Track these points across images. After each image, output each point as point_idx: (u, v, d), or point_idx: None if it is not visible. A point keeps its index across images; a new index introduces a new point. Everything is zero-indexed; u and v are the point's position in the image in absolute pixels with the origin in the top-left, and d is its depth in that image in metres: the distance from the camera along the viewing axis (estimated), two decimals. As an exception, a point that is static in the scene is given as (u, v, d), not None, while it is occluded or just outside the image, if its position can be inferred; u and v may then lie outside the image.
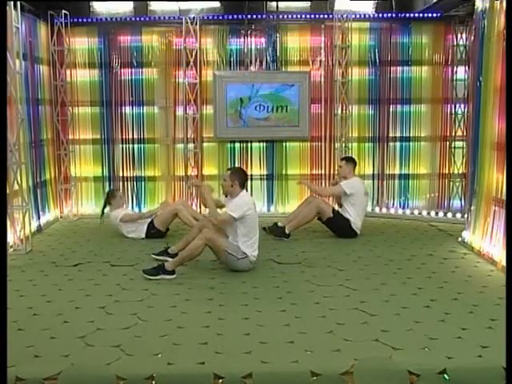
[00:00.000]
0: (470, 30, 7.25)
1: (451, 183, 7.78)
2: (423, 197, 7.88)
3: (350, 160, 6.66)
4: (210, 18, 7.55)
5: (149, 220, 6.41)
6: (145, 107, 7.75)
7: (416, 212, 7.68)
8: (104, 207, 6.56)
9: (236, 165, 7.79)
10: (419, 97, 7.70)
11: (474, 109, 6.05)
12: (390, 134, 7.79)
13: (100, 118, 7.75)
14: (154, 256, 5.35)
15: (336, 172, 7.12)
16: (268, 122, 7.65)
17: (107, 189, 7.74)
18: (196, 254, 4.85)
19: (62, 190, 7.64)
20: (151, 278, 4.71)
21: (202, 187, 5.28)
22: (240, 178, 5.07)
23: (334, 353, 3.22)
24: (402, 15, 7.57)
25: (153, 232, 6.34)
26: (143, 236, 6.36)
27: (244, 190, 5.11)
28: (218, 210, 5.21)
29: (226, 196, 5.15)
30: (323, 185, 7.78)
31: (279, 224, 6.33)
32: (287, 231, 6.24)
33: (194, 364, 3.07)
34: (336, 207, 6.52)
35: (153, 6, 7.75)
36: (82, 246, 6.09)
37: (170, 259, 5.03)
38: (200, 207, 7.70)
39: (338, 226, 6.37)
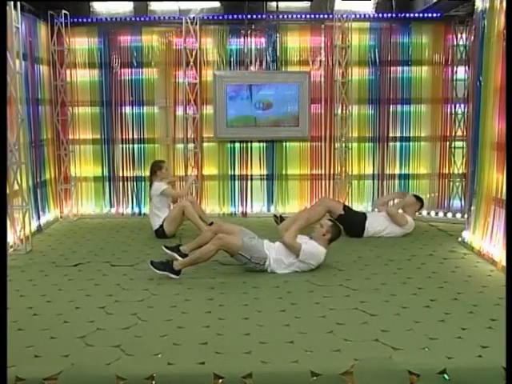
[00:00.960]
0: (470, 29, 7.25)
1: (451, 183, 7.78)
2: (423, 197, 7.85)
3: (419, 200, 6.74)
4: (210, 18, 7.55)
5: (165, 215, 6.38)
6: (145, 107, 7.75)
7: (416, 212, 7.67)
8: (151, 178, 6.57)
9: (236, 165, 7.81)
10: (419, 97, 7.71)
11: (474, 109, 6.05)
12: (390, 134, 7.79)
13: (100, 118, 7.75)
14: (164, 248, 5.29)
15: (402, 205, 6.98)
16: (268, 121, 7.66)
17: (107, 189, 7.77)
18: (207, 259, 4.85)
19: (62, 190, 7.64)
20: (156, 270, 4.70)
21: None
22: (334, 234, 5.13)
23: (334, 353, 3.22)
24: (402, 15, 7.57)
25: (161, 231, 6.34)
26: (156, 226, 6.35)
27: (326, 249, 5.07)
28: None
29: (311, 238, 5.11)
30: (324, 184, 7.80)
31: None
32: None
33: (193, 364, 3.07)
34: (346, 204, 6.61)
35: (153, 5, 7.74)
36: (81, 245, 6.09)
37: (178, 256, 5.04)
38: (206, 207, 7.70)
39: (350, 223, 6.37)
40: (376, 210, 6.99)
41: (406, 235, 6.50)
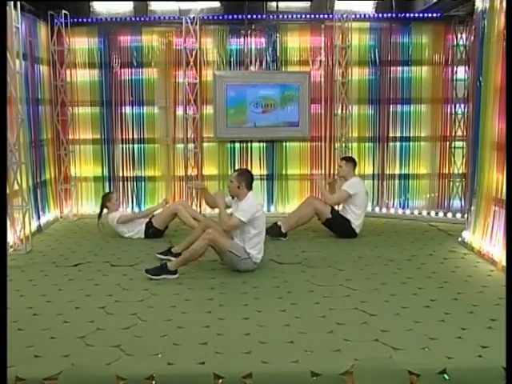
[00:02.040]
0: (470, 29, 7.25)
1: (451, 183, 7.78)
2: (423, 197, 7.88)
3: (350, 160, 6.64)
4: (210, 18, 7.55)
5: (146, 220, 6.41)
6: (145, 107, 7.75)
7: (416, 212, 7.68)
8: (101, 211, 6.53)
9: (236, 165, 7.79)
10: (419, 97, 7.71)
11: (474, 109, 6.05)
12: (390, 134, 7.79)
13: (100, 118, 7.75)
14: (158, 255, 5.35)
15: (336, 172, 7.10)
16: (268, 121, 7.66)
17: (107, 189, 7.77)
18: (199, 255, 4.86)
19: (62, 189, 7.64)
20: (154, 277, 4.70)
21: (214, 192, 5.27)
22: (246, 179, 5.07)
23: (334, 353, 3.22)
24: (402, 15, 7.57)
25: (151, 231, 6.34)
26: (142, 236, 6.37)
27: (251, 191, 5.08)
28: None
29: (233, 198, 5.13)
30: (323, 184, 7.77)
31: (278, 223, 6.32)
32: (283, 230, 6.24)
33: (194, 364, 3.07)
34: (336, 207, 6.50)
35: (153, 5, 7.75)
36: (81, 246, 6.09)
37: (173, 259, 5.04)
38: (200, 207, 7.72)
39: (339, 227, 6.36)
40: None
41: (406, 235, 6.50)
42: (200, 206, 7.74)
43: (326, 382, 2.92)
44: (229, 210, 5.14)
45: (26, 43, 6.52)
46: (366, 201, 6.54)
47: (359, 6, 7.70)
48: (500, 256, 5.03)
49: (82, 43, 7.60)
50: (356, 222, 6.34)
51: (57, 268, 5.17)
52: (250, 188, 5.07)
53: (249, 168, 7.70)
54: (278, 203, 7.91)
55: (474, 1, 5.99)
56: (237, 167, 7.80)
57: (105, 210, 6.55)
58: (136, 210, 7.79)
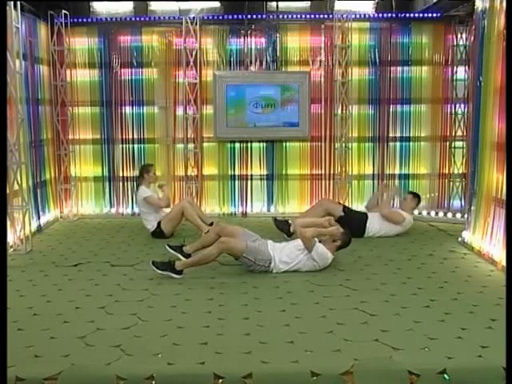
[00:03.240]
0: (470, 29, 7.25)
1: (451, 183, 7.78)
2: (423, 197, 7.86)
3: (416, 197, 6.74)
4: (210, 18, 7.55)
5: (162, 214, 6.40)
6: (145, 107, 7.75)
7: (416, 212, 7.66)
8: (140, 179, 6.58)
9: (236, 165, 7.81)
10: (419, 97, 7.71)
11: (474, 109, 6.05)
12: (390, 134, 7.79)
13: (100, 118, 7.75)
14: (167, 247, 5.29)
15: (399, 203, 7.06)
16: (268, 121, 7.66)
17: (107, 189, 7.78)
18: (209, 261, 4.86)
19: (62, 189, 7.64)
20: (158, 271, 4.70)
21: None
22: (344, 244, 5.14)
23: (334, 353, 3.22)
24: (402, 15, 7.57)
25: (157, 231, 6.34)
26: (151, 228, 6.37)
27: (332, 256, 5.06)
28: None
29: (320, 241, 5.07)
30: (324, 184, 7.79)
31: (289, 221, 6.31)
32: (292, 230, 6.24)
33: (194, 364, 3.07)
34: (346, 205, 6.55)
35: (153, 5, 7.75)
36: (81, 245, 6.09)
37: (181, 256, 5.05)
38: (200, 207, 7.70)
39: (352, 222, 6.29)
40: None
41: (406, 235, 6.50)
42: (200, 207, 7.73)
43: (326, 382, 2.92)
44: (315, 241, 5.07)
45: (26, 43, 6.53)
46: (390, 233, 6.50)
47: (359, 6, 7.69)
48: (500, 256, 5.03)
49: (81, 43, 7.61)
50: (372, 223, 6.36)
51: (57, 268, 5.16)
52: (336, 251, 5.11)
53: (248, 168, 7.76)
54: (278, 203, 7.90)
55: (473, 1, 5.99)
56: (237, 167, 7.82)
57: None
58: (136, 210, 7.80)
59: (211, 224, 6.20)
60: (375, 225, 6.40)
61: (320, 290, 4.46)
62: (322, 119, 7.80)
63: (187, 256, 5.06)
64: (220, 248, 4.81)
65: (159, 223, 6.36)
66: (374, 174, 7.87)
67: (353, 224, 6.34)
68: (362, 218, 6.42)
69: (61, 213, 7.65)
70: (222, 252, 4.85)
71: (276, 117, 7.67)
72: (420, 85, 7.69)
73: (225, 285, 4.62)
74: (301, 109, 7.66)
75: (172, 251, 5.23)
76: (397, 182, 7.86)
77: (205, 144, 7.84)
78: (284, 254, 4.98)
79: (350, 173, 7.78)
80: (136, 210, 7.78)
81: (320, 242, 5.04)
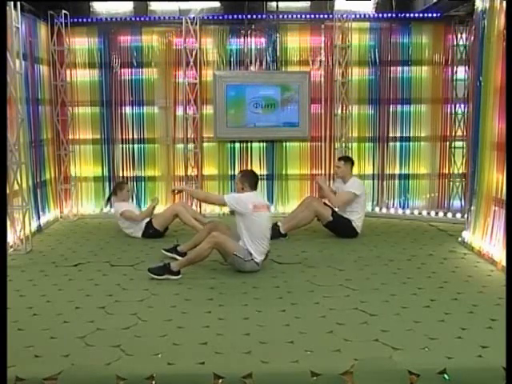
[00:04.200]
0: (470, 30, 7.25)
1: (451, 183, 7.78)
2: (423, 197, 7.88)
3: (348, 160, 6.63)
4: (210, 18, 7.55)
5: (147, 219, 6.41)
6: (145, 107, 7.75)
7: (416, 212, 7.68)
8: (110, 196, 6.60)
9: (236, 165, 7.81)
10: (419, 97, 7.70)
11: (474, 109, 6.05)
12: (390, 134, 7.79)
13: (100, 118, 7.75)
14: (163, 251, 5.35)
15: (334, 172, 7.08)
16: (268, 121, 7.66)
17: (107, 189, 7.78)
18: (203, 257, 4.85)
19: (62, 189, 7.64)
20: (156, 277, 4.70)
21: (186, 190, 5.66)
22: (249, 179, 5.11)
23: (334, 353, 3.22)
24: (402, 15, 7.57)
25: (151, 232, 6.34)
26: (139, 236, 6.36)
27: (254, 192, 5.09)
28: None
29: None
30: (326, 185, 7.76)
31: (278, 223, 6.31)
32: (282, 231, 6.24)
33: (194, 364, 3.07)
34: (336, 209, 6.47)
35: (153, 5, 7.74)
36: (82, 245, 6.09)
37: (178, 257, 5.06)
38: (200, 207, 7.72)
39: (340, 227, 6.35)
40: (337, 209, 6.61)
41: (406, 235, 6.51)
42: (200, 206, 7.74)
43: (326, 382, 2.93)
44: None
45: (26, 43, 6.52)
46: (364, 200, 6.54)
47: (359, 6, 7.69)
48: (500, 256, 5.03)
49: (82, 43, 7.60)
50: (358, 222, 6.34)
51: (57, 268, 5.16)
52: (254, 188, 5.10)
53: (248, 168, 7.72)
54: (278, 203, 7.91)
55: (473, 1, 5.99)
56: (237, 167, 7.81)
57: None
58: (137, 209, 7.80)
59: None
60: (354, 215, 6.32)
61: (320, 289, 4.46)
62: (322, 119, 7.80)
63: (183, 255, 5.08)
64: (211, 242, 4.80)
65: (149, 226, 6.35)
66: (373, 174, 7.86)
67: (341, 228, 6.35)
68: (348, 220, 6.35)
69: (61, 213, 7.65)
70: (214, 247, 4.84)
71: (276, 117, 7.67)
72: (420, 85, 7.68)
73: (225, 285, 4.62)
74: (301, 109, 7.66)
75: (168, 254, 5.28)
76: (397, 182, 7.86)
77: (205, 144, 7.85)
78: (243, 236, 4.96)
79: (350, 173, 7.77)
80: (137, 209, 7.80)
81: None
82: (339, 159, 6.70)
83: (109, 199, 6.65)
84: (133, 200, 7.51)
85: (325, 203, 6.45)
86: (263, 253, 5.04)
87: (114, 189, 6.71)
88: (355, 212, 6.33)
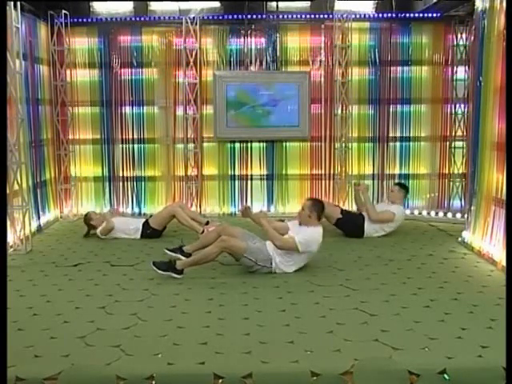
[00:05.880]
0: (470, 29, 7.25)
1: (451, 183, 7.78)
2: (423, 197, 7.88)
3: (403, 187, 6.71)
4: (210, 18, 7.55)
5: (143, 220, 6.39)
6: (145, 107, 7.75)
7: (416, 212, 7.68)
8: (88, 231, 6.46)
9: (236, 165, 7.81)
10: (419, 97, 7.71)
11: (474, 109, 6.05)
12: (390, 134, 7.79)
13: (100, 118, 7.75)
14: (166, 251, 5.26)
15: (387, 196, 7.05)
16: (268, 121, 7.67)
17: (107, 189, 7.80)
18: (209, 260, 4.85)
19: (62, 189, 7.64)
20: (159, 271, 4.70)
21: (255, 213, 5.32)
22: (319, 210, 5.07)
23: (334, 353, 3.22)
24: (402, 15, 7.57)
25: (148, 232, 6.32)
26: (138, 237, 6.34)
27: (320, 225, 5.06)
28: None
29: (300, 224, 5.08)
30: (324, 184, 7.79)
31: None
32: None
33: (194, 364, 3.07)
34: (344, 208, 6.49)
35: (153, 5, 7.75)
36: (81, 245, 6.09)
37: (182, 257, 5.03)
38: (200, 207, 7.72)
39: (350, 224, 6.34)
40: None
41: (406, 235, 6.51)
42: (200, 207, 7.75)
43: (326, 382, 2.93)
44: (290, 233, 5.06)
45: (26, 43, 6.53)
46: (396, 227, 6.50)
47: (359, 6, 7.70)
48: (500, 256, 5.03)
49: (81, 43, 7.60)
50: (369, 225, 6.34)
51: (57, 268, 5.16)
52: (319, 219, 5.08)
53: (248, 168, 7.74)
54: (278, 203, 7.91)
55: (473, 1, 6.00)
56: (237, 167, 7.82)
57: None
58: (136, 210, 7.81)
59: (207, 223, 6.22)
60: (372, 225, 6.38)
61: (320, 289, 4.46)
62: (322, 119, 7.80)
63: (188, 256, 5.04)
64: (220, 246, 4.80)
65: (145, 226, 6.33)
66: (373, 174, 7.87)
67: (351, 226, 6.37)
68: (359, 219, 6.40)
69: (61, 213, 7.65)
70: (223, 251, 4.84)
71: (276, 117, 7.66)
72: (420, 85, 7.69)
73: (225, 285, 4.62)
74: (301, 109, 7.65)
75: (172, 254, 5.20)
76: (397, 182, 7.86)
77: (205, 144, 7.84)
78: (280, 252, 4.95)
79: (350, 173, 7.77)
80: (136, 210, 7.81)
81: (301, 224, 5.05)
82: (395, 184, 6.84)
83: (87, 234, 6.47)
84: (126, 205, 7.61)
85: (336, 204, 6.50)
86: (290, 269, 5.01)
87: (87, 224, 6.47)
88: (376, 230, 6.37)
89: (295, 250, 4.87)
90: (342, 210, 6.49)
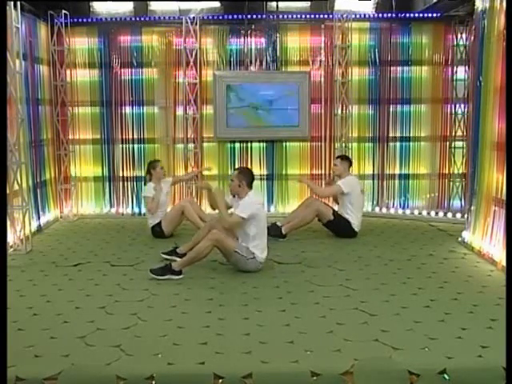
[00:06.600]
0: (470, 29, 7.25)
1: (451, 183, 7.78)
2: (423, 197, 7.88)
3: (344, 158, 6.65)
4: (210, 18, 7.56)
5: (157, 220, 6.35)
6: (145, 107, 7.76)
7: (416, 212, 7.68)
8: (146, 175, 6.52)
9: (236, 165, 7.79)
10: (419, 97, 7.71)
11: (474, 109, 6.05)
12: (390, 134, 7.79)
13: (100, 118, 7.76)
14: (162, 255, 5.32)
15: (332, 171, 7.11)
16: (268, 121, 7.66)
17: (107, 189, 7.81)
18: (204, 255, 4.85)
19: (62, 189, 7.64)
20: (158, 277, 4.69)
21: (213, 190, 5.28)
22: (247, 177, 5.07)
23: (334, 353, 3.22)
24: (402, 15, 7.58)
25: (158, 230, 6.33)
26: (152, 223, 6.32)
27: (252, 190, 5.09)
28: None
29: (234, 196, 5.13)
30: (323, 185, 7.77)
31: (278, 223, 6.32)
32: (284, 232, 6.24)
33: (193, 364, 3.07)
34: (336, 208, 6.49)
35: (153, 5, 7.75)
36: (82, 245, 6.09)
37: (178, 259, 5.03)
38: (206, 208, 7.71)
39: (339, 228, 6.37)
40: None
41: (406, 235, 6.51)
42: (206, 207, 7.73)
43: (326, 382, 2.93)
44: (230, 210, 5.13)
45: (26, 43, 6.53)
46: (361, 199, 6.55)
47: (359, 6, 7.70)
48: (500, 256, 5.03)
49: (81, 43, 7.61)
50: (355, 222, 6.35)
51: (57, 268, 5.16)
52: (250, 187, 5.08)
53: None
54: (278, 203, 7.91)
55: (473, 1, 6.00)
56: (237, 167, 7.80)
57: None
58: (136, 210, 7.81)
59: None
60: (351, 216, 6.32)
61: (320, 290, 4.46)
62: (322, 119, 7.80)
63: (182, 256, 5.04)
64: (211, 239, 4.79)
65: (156, 224, 6.34)
66: (373, 174, 7.87)
67: (341, 228, 6.36)
68: (347, 222, 6.36)
69: (61, 213, 7.65)
70: (214, 244, 4.83)
71: (276, 117, 7.66)
72: (420, 85, 7.69)
73: (225, 285, 4.62)
74: (301, 109, 7.65)
75: (167, 257, 5.24)
76: (397, 182, 7.86)
77: (205, 144, 7.85)
78: (247, 238, 4.94)
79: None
80: (136, 209, 7.81)
81: (234, 196, 5.08)
82: (336, 158, 6.75)
83: (146, 180, 6.52)
84: (126, 205, 7.64)
85: (325, 203, 6.49)
86: (265, 248, 5.04)
87: (148, 169, 6.52)
88: (350, 212, 6.32)
89: (242, 220, 4.86)
90: (333, 211, 6.40)
